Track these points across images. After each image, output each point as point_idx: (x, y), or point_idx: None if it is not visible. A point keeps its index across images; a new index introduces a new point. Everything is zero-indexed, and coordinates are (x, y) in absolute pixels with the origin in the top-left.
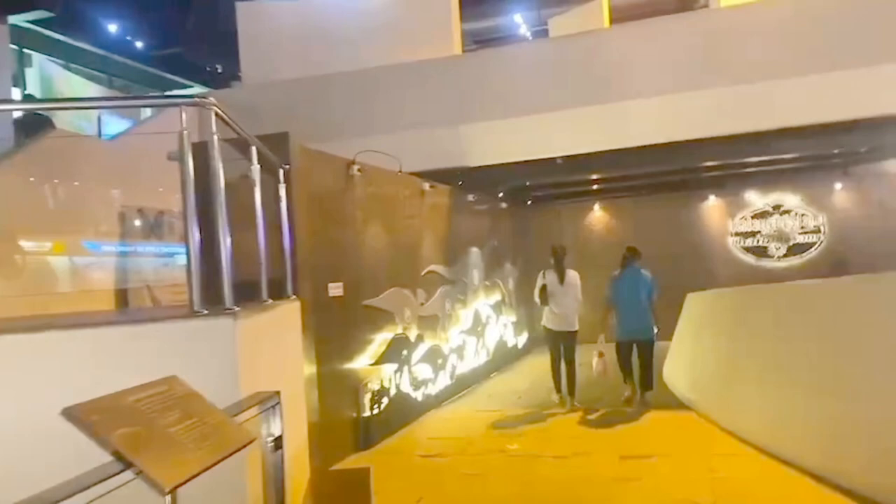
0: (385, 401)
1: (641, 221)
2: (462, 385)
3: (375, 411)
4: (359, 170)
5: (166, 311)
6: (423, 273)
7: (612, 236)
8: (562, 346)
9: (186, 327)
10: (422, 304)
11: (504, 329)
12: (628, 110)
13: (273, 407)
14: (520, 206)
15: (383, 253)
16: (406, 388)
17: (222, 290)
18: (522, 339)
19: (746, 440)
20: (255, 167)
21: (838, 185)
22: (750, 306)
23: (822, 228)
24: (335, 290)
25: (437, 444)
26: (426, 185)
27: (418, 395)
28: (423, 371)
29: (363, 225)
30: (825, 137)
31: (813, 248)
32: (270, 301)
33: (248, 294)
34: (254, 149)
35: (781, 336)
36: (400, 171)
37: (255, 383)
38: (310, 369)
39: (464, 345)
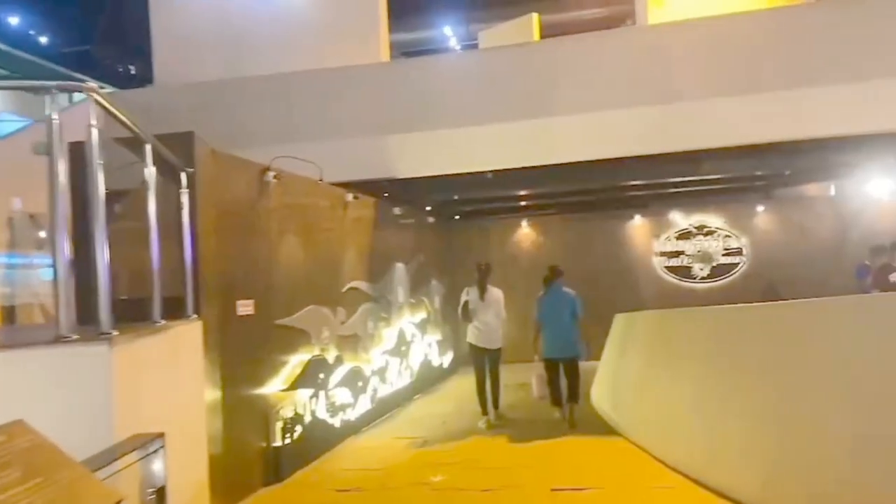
0: (299, 429)
1: (569, 239)
2: (384, 409)
3: (288, 440)
4: (275, 177)
5: (25, 335)
6: (343, 290)
7: (540, 253)
8: (486, 362)
9: (48, 356)
10: (342, 322)
11: (429, 348)
12: (556, 126)
13: (156, 451)
14: (448, 221)
15: (300, 268)
16: (322, 414)
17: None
18: (448, 358)
19: (679, 471)
20: (150, 169)
21: (761, 208)
22: (681, 329)
23: (744, 250)
24: (245, 308)
25: (355, 476)
26: (349, 196)
27: (336, 422)
28: (342, 395)
29: (278, 237)
30: (749, 159)
31: (735, 270)
32: (164, 322)
33: (141, 314)
34: (148, 148)
35: (715, 362)
36: (320, 180)
37: (137, 421)
38: (213, 396)
39: (386, 366)
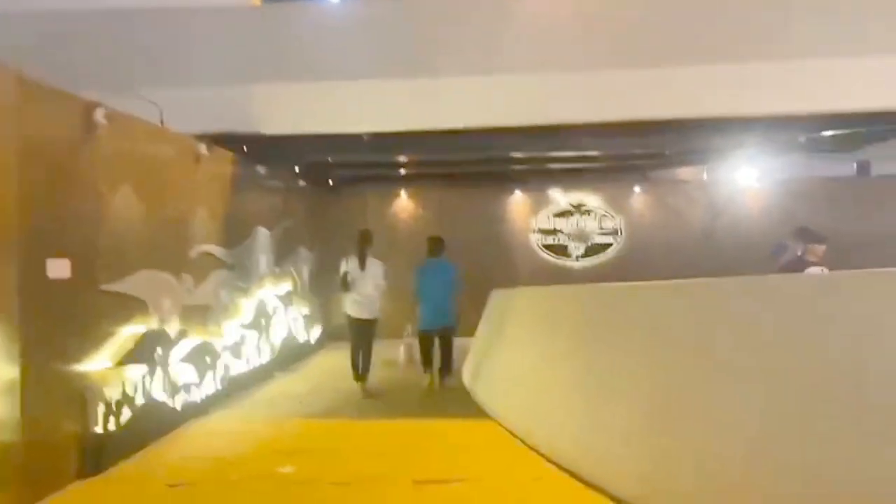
0: (127, 412)
1: (448, 211)
2: (237, 388)
3: (112, 426)
4: (106, 116)
5: None
6: (192, 254)
7: (418, 225)
8: (362, 332)
9: None
10: (189, 291)
11: (294, 322)
12: (438, 88)
13: None
14: (321, 187)
15: (137, 227)
16: (159, 394)
17: None
18: (315, 333)
19: (554, 461)
20: None
21: (637, 189)
22: (562, 307)
23: (619, 230)
24: (57, 269)
25: (192, 466)
26: (202, 148)
27: (177, 403)
28: (186, 373)
29: (109, 189)
30: (629, 137)
31: (609, 250)
32: None
33: None
34: None
35: (597, 343)
36: (161, 123)
37: None
38: (9, 373)
39: (242, 341)
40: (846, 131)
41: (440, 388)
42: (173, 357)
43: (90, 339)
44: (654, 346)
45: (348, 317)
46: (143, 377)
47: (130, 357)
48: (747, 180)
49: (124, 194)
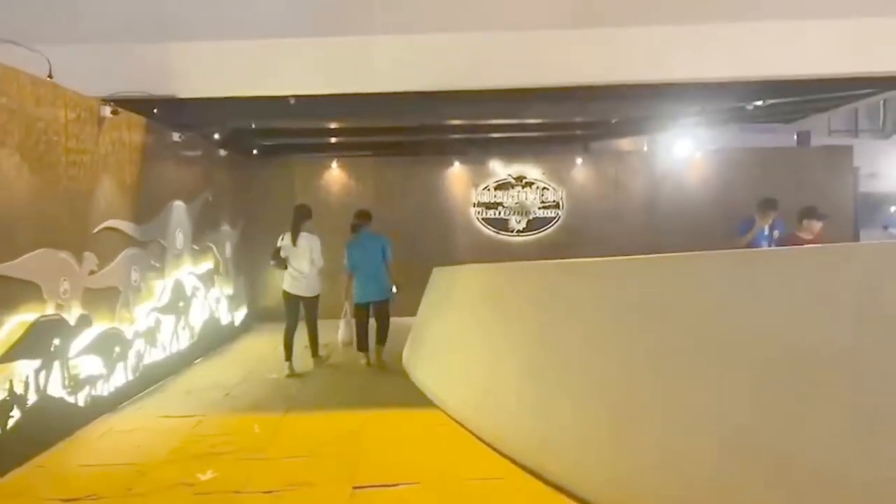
0: (16, 413)
1: (382, 184)
2: (151, 379)
3: None
4: None
5: None
6: (95, 230)
7: (351, 198)
8: (301, 309)
9: None
10: (91, 272)
11: (216, 304)
12: (371, 48)
13: None
14: (244, 157)
15: (25, 199)
16: (58, 390)
17: None
18: (240, 315)
19: (507, 456)
20: None
21: (579, 161)
22: (512, 286)
23: (560, 204)
24: None
25: (95, 474)
26: (106, 110)
27: (79, 399)
28: (90, 365)
29: None
30: (573, 104)
31: (551, 224)
32: None
33: None
34: None
35: (552, 325)
36: (49, 77)
37: None
38: None
39: (157, 326)
40: (787, 99)
41: (378, 365)
42: (74, 347)
43: None
44: (609, 330)
45: (284, 293)
46: (36, 372)
47: (18, 350)
48: (688, 151)
49: (6, 160)
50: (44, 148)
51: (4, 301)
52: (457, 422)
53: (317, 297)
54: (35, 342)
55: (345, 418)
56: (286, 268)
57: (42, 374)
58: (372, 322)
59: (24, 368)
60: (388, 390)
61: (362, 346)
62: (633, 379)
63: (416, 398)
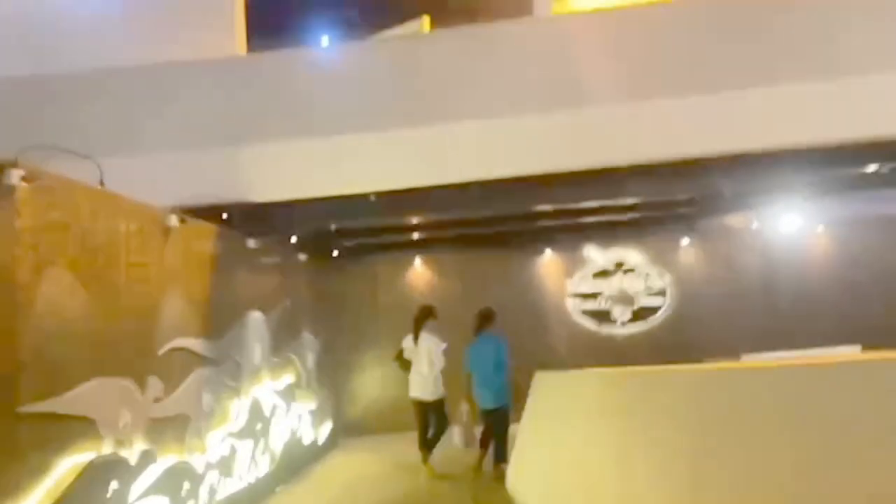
0: None
1: (469, 279)
2: None
3: None
4: (25, 179)
5: None
6: (161, 351)
7: (436, 295)
8: (428, 415)
9: None
10: (156, 399)
11: (298, 421)
12: (449, 135)
13: None
14: (323, 259)
15: (78, 322)
16: None
17: None
18: (325, 431)
19: None
20: None
21: (684, 241)
22: (651, 399)
23: (667, 290)
24: None
25: None
26: (172, 220)
27: None
28: None
29: (34, 273)
30: (673, 180)
31: (659, 313)
32: None
33: None
34: None
35: (711, 453)
36: (101, 184)
37: None
38: None
39: (232, 454)
40: None
41: (495, 475)
42: (135, 490)
43: (3, 482)
44: (739, 449)
45: (411, 398)
46: None
47: (69, 500)
48: (806, 224)
49: (59, 281)
50: (102, 264)
51: (52, 442)
52: None
53: (439, 401)
54: (88, 488)
55: None
56: (409, 370)
57: None
58: None
59: None
60: None
61: (484, 443)
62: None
63: None
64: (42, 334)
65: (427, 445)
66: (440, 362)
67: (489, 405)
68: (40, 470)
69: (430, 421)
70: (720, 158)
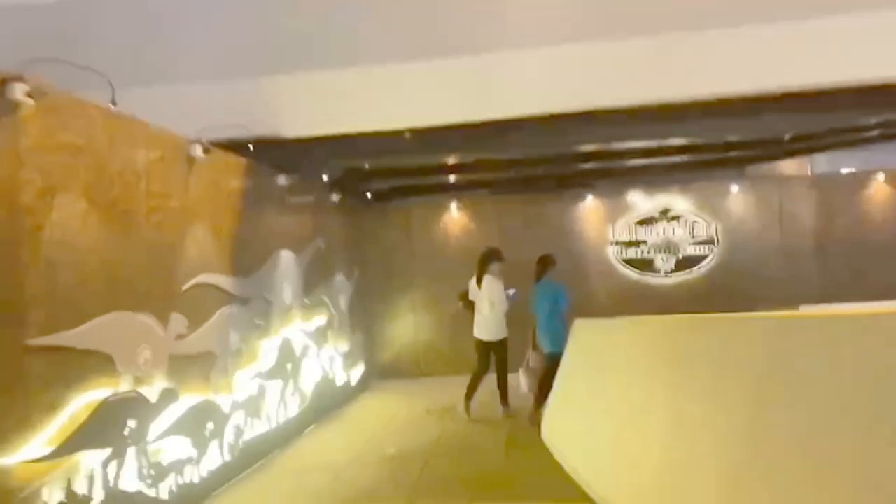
0: None
1: (507, 224)
2: (253, 456)
3: None
4: (31, 94)
5: None
6: (185, 287)
7: (472, 241)
8: (490, 355)
9: None
10: (180, 336)
11: (330, 363)
12: (492, 67)
13: None
14: (357, 201)
15: (93, 253)
16: (133, 483)
17: None
18: (357, 373)
19: None
20: None
21: (734, 188)
22: (697, 343)
23: (715, 239)
24: None
25: None
26: (196, 149)
27: (161, 491)
28: (176, 448)
29: (42, 198)
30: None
31: (704, 263)
32: None
33: None
34: None
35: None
36: (113, 104)
37: None
38: None
39: (261, 394)
40: None
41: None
42: (155, 428)
43: (10, 419)
44: (800, 400)
45: (474, 338)
46: (105, 464)
47: (81, 439)
48: (863, 171)
49: (69, 207)
50: (119, 193)
51: (64, 378)
52: None
53: (501, 341)
54: (104, 427)
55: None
56: (473, 311)
57: (113, 466)
58: None
59: (90, 461)
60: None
61: (540, 400)
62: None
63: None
64: (52, 264)
65: (473, 386)
66: (502, 304)
67: (546, 350)
68: (52, 406)
69: (490, 362)
70: (777, 96)
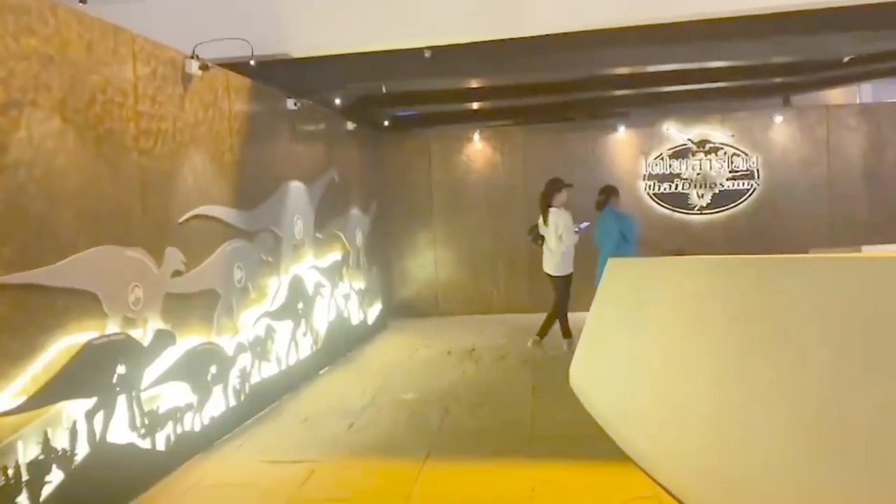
0: (54, 478)
1: (533, 156)
2: (261, 401)
3: (25, 500)
4: None
5: None
6: (181, 219)
7: (496, 174)
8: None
9: None
10: (177, 273)
11: (345, 302)
12: None
13: None
14: (373, 129)
15: (71, 179)
16: (124, 435)
17: None
18: (374, 312)
19: None
20: None
21: (778, 119)
22: (766, 288)
23: (755, 173)
24: None
25: None
26: (192, 65)
27: (158, 442)
28: (173, 395)
29: (4, 115)
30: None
31: (743, 199)
32: None
33: None
34: None
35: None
36: (83, 2)
37: None
38: None
39: (269, 335)
40: None
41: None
42: (149, 374)
43: None
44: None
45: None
46: (89, 414)
47: (59, 388)
48: None
49: (39, 125)
50: (101, 111)
51: (39, 321)
52: (663, 487)
53: (564, 276)
54: (87, 373)
55: (508, 475)
56: (542, 245)
57: (99, 416)
58: None
59: (71, 411)
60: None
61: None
62: None
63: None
64: (22, 191)
65: (548, 321)
66: (569, 238)
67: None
68: (23, 352)
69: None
70: (826, 11)
